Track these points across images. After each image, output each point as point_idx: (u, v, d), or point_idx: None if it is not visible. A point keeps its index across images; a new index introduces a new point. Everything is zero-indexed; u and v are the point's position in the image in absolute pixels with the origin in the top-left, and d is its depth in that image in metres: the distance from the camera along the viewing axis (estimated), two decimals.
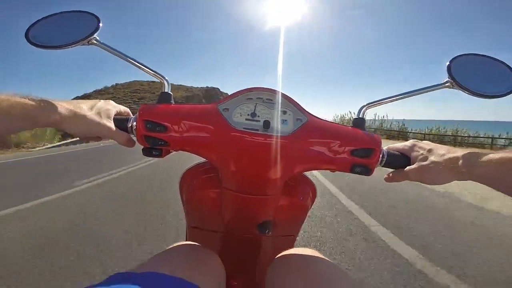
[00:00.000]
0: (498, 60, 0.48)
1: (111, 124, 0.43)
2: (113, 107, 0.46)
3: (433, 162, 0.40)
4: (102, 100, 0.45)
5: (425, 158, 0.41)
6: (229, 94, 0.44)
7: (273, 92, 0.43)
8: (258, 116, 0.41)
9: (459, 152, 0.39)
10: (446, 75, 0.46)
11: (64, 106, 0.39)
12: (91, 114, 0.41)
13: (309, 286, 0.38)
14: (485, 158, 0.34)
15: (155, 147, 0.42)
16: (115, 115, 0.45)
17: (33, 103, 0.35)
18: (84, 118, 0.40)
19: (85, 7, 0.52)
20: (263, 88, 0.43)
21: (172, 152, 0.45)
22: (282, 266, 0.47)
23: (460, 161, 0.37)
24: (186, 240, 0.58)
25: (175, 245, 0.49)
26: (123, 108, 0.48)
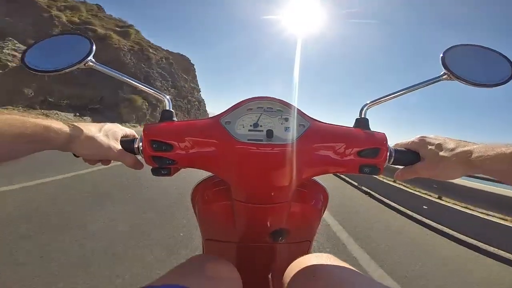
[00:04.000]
0: (490, 49, 0.47)
1: (119, 146, 0.43)
2: (120, 129, 0.46)
3: (444, 157, 0.39)
4: (108, 123, 0.46)
5: (436, 153, 0.40)
6: (232, 104, 0.44)
7: (273, 100, 0.43)
8: (261, 126, 0.41)
9: (470, 145, 0.38)
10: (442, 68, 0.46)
11: (74, 127, 0.39)
12: (100, 136, 0.41)
13: None
14: (497, 151, 0.34)
15: (163, 167, 0.42)
16: (121, 137, 0.46)
17: (45, 124, 0.35)
18: (93, 140, 0.40)
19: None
20: (262, 97, 0.44)
21: (180, 169, 0.45)
22: (298, 273, 0.46)
23: (472, 155, 0.36)
24: (203, 253, 0.58)
25: (191, 257, 0.49)
26: (129, 131, 0.49)
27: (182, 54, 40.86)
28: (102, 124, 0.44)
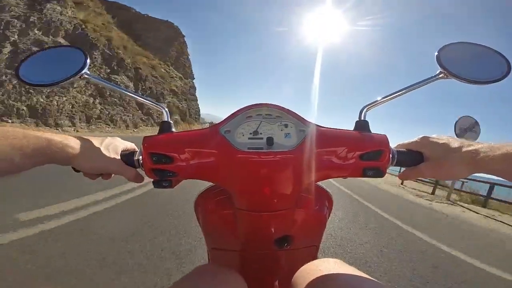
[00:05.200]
0: (484, 46, 0.47)
1: (120, 160, 0.43)
2: (120, 143, 0.46)
3: (449, 157, 0.39)
4: (109, 137, 0.46)
5: (440, 154, 0.40)
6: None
7: (271, 106, 0.43)
8: (261, 134, 0.41)
9: (474, 145, 0.38)
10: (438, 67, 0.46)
11: (75, 141, 0.39)
12: (101, 150, 0.41)
13: None
14: (503, 151, 0.34)
15: (164, 179, 0.41)
16: (122, 151, 0.45)
17: (46, 137, 0.35)
18: (94, 154, 0.40)
19: None
20: (260, 104, 0.43)
21: (181, 181, 0.45)
22: (305, 279, 0.45)
23: (478, 155, 0.36)
24: (208, 262, 0.58)
25: (197, 267, 0.48)
26: (129, 144, 0.48)
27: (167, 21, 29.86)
28: (102, 138, 0.44)
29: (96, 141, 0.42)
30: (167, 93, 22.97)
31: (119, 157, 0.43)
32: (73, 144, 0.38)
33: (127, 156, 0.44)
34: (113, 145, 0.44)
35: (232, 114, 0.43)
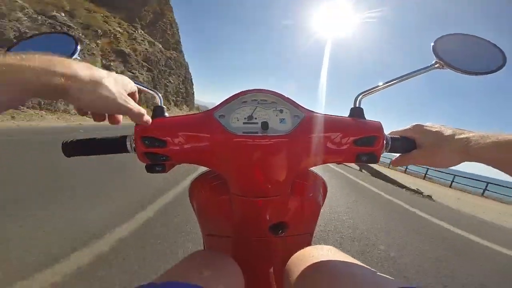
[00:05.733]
0: (480, 37, 0.48)
1: (128, 97, 0.35)
2: (128, 81, 0.37)
3: (441, 145, 0.39)
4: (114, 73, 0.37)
5: (432, 141, 0.41)
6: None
7: (267, 92, 0.43)
8: (255, 118, 0.41)
9: (466, 133, 0.38)
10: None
11: (72, 65, 0.28)
12: (111, 82, 0.32)
13: (327, 283, 0.37)
14: (493, 140, 0.34)
15: (157, 163, 0.41)
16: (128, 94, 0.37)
17: (35, 63, 0.25)
18: (105, 87, 0.30)
19: None
20: (256, 89, 0.43)
21: (175, 165, 0.45)
22: (299, 265, 0.46)
23: (469, 143, 0.36)
24: (204, 248, 0.58)
25: (192, 253, 0.49)
26: (133, 86, 0.39)
27: None
28: (106, 70, 0.34)
29: (101, 72, 0.32)
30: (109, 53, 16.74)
31: (126, 95, 0.35)
32: (77, 68, 0.28)
33: (117, 140, 0.43)
34: (123, 81, 0.35)
35: (227, 99, 0.43)
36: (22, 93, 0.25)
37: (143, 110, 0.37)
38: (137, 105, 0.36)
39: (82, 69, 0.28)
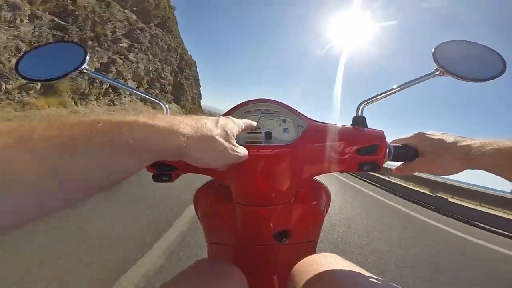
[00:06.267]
0: (480, 44, 0.48)
1: (238, 145, 0.34)
2: (234, 123, 0.35)
3: (443, 153, 0.39)
4: (222, 116, 0.36)
5: (435, 149, 0.41)
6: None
7: (270, 102, 0.44)
8: (259, 128, 0.41)
9: (468, 141, 0.38)
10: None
11: (186, 122, 0.27)
12: (219, 133, 0.31)
13: None
14: (495, 147, 0.34)
15: (164, 173, 0.42)
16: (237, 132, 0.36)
17: (152, 124, 0.23)
18: (214, 140, 0.29)
19: None
20: (259, 99, 0.44)
21: (180, 175, 0.45)
22: (303, 274, 0.46)
23: (471, 151, 0.36)
24: (208, 256, 0.58)
25: (197, 261, 0.49)
26: (244, 123, 0.37)
27: None
28: (213, 117, 0.33)
29: (210, 122, 0.31)
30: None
31: (234, 141, 0.34)
32: (185, 128, 0.26)
33: None
34: (229, 125, 0.33)
35: (231, 109, 0.44)
36: (148, 157, 0.23)
37: (245, 150, 0.35)
38: (239, 147, 0.34)
39: (199, 125, 0.28)
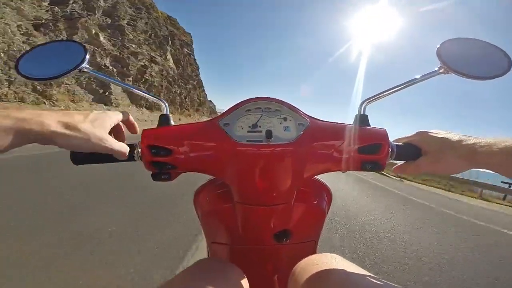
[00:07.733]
0: (485, 41, 0.47)
1: (108, 137, 0.39)
2: (109, 117, 0.41)
3: (447, 152, 0.39)
4: (95, 111, 0.41)
5: (439, 148, 0.40)
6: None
7: (270, 100, 0.43)
8: (260, 127, 0.41)
9: (472, 139, 0.38)
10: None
11: (53, 116, 0.34)
12: (85, 125, 0.36)
13: None
14: (500, 146, 0.34)
15: (163, 172, 0.42)
16: (112, 127, 0.41)
17: (20, 114, 0.31)
18: (77, 130, 0.35)
19: None
20: (260, 98, 0.43)
21: (181, 173, 0.45)
22: (303, 273, 0.46)
23: (476, 150, 0.36)
24: (208, 256, 0.58)
25: (197, 261, 0.49)
26: (115, 117, 0.42)
27: None
28: (87, 112, 0.39)
29: (79, 116, 0.37)
30: None
31: (107, 134, 0.39)
32: (51, 118, 0.33)
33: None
34: (100, 120, 0.39)
35: (231, 107, 0.43)
36: (22, 141, 0.31)
37: (124, 147, 0.40)
38: (117, 142, 0.39)
39: (62, 119, 0.35)
